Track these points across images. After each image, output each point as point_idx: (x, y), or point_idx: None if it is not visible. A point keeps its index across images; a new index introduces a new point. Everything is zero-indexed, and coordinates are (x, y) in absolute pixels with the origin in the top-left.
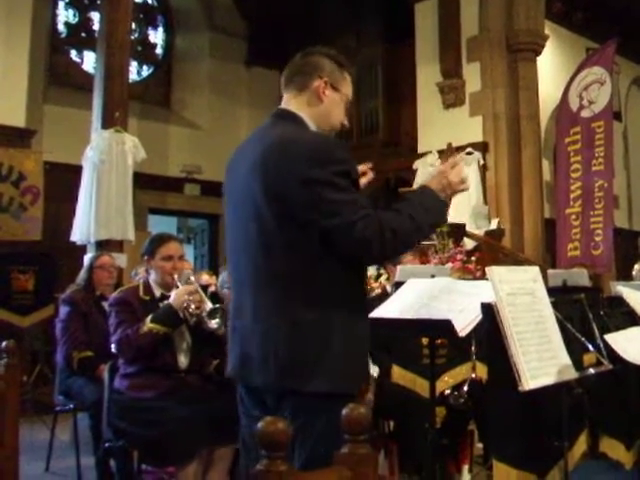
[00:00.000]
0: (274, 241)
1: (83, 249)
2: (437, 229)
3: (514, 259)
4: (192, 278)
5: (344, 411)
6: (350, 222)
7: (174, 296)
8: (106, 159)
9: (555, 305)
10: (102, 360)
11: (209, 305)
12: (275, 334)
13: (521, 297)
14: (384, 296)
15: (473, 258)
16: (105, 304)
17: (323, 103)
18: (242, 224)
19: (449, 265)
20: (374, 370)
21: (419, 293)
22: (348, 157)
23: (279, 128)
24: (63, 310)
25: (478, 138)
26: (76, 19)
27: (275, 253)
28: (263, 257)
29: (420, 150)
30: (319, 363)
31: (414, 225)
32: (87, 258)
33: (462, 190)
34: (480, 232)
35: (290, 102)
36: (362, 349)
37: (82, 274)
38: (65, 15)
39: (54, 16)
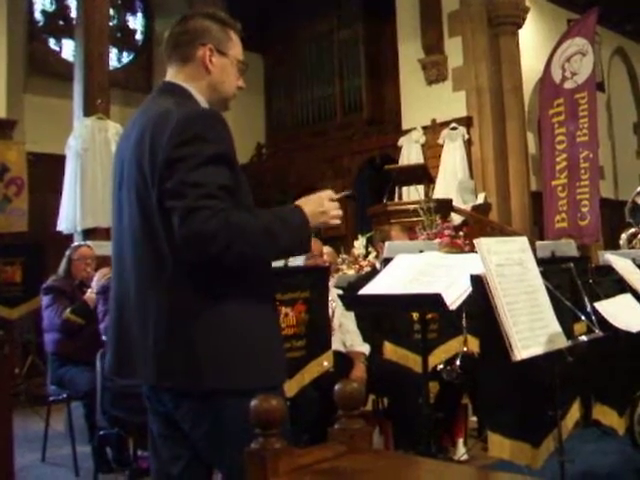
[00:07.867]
0: (155, 224)
1: (70, 238)
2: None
3: (502, 232)
4: None
5: (337, 387)
6: (191, 208)
7: None
8: (89, 147)
9: (544, 275)
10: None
11: None
12: (160, 327)
13: (510, 268)
14: (373, 273)
15: (461, 233)
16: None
17: (211, 73)
18: (127, 207)
19: (437, 241)
20: (365, 348)
21: (408, 268)
22: (220, 137)
23: (161, 102)
24: (46, 298)
25: (462, 113)
26: (53, 7)
27: (157, 237)
28: (146, 242)
29: (404, 127)
30: (210, 358)
31: (266, 236)
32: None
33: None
34: (467, 207)
35: (176, 77)
36: (260, 342)
37: (63, 265)
38: (42, 3)
39: (30, 5)
